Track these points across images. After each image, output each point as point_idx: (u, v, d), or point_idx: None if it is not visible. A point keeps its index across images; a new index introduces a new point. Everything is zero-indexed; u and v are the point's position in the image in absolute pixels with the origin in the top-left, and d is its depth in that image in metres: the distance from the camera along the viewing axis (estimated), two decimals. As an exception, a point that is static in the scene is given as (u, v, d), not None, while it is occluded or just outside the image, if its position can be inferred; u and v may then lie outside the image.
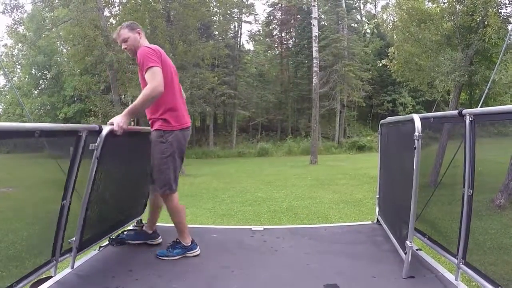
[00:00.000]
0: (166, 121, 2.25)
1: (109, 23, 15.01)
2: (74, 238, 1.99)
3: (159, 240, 2.58)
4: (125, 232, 2.60)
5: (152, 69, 2.11)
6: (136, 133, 2.45)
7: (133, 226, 2.90)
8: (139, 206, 3.00)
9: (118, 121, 2.00)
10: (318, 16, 15.83)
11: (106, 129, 1.90)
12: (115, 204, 2.55)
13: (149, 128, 2.37)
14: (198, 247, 2.37)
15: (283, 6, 26.70)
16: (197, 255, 2.34)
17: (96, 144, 1.84)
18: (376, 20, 12.06)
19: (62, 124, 1.59)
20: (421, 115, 1.90)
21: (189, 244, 2.33)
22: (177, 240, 2.33)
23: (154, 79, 2.09)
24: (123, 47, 2.35)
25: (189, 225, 2.44)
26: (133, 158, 2.56)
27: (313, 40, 14.78)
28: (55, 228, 1.87)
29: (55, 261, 1.93)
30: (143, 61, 2.13)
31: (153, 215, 2.60)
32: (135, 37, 2.30)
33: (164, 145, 2.25)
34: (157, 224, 2.70)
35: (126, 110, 2.09)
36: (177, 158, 2.32)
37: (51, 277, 1.93)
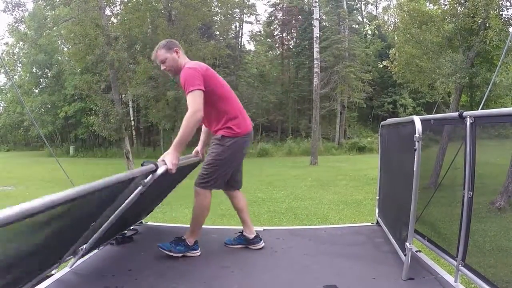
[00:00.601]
0: (229, 128, 2.29)
1: (110, 22, 15.02)
2: (84, 246, 1.99)
3: (261, 244, 2.49)
4: (226, 238, 2.58)
5: (192, 93, 2.09)
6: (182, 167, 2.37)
7: (132, 226, 2.91)
8: (146, 213, 3.03)
9: (170, 160, 1.96)
10: (319, 17, 15.82)
11: (161, 170, 1.81)
12: (130, 215, 2.55)
13: (197, 157, 2.51)
14: (199, 248, 2.38)
15: (284, 6, 26.71)
16: (197, 256, 2.34)
17: (146, 180, 1.75)
18: (377, 22, 12.03)
19: (122, 174, 1.38)
20: (421, 116, 1.90)
21: (192, 245, 2.34)
22: (183, 238, 2.34)
23: (193, 103, 2.08)
24: (162, 68, 2.33)
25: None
26: (167, 182, 2.53)
27: (314, 41, 14.79)
28: (76, 242, 1.87)
29: (59, 263, 1.93)
30: (185, 84, 2.12)
31: (242, 217, 2.57)
32: (173, 57, 2.28)
33: (221, 148, 2.28)
34: (159, 224, 2.69)
35: (174, 145, 2.04)
36: (231, 164, 2.38)
37: (51, 275, 1.94)
